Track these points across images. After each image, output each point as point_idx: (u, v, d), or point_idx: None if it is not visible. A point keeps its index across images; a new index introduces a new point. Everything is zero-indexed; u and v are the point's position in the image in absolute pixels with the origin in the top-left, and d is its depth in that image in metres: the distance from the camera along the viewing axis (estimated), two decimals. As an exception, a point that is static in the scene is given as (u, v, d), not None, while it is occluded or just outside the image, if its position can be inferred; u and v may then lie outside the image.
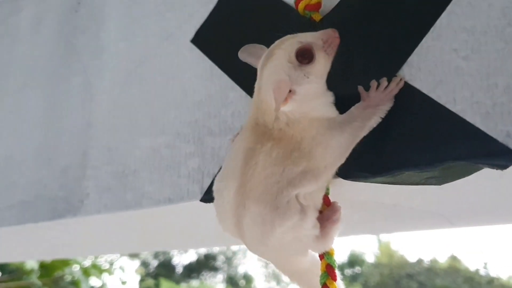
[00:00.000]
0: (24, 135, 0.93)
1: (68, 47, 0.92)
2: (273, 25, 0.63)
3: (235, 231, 0.51)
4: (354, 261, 10.12)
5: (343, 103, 0.51)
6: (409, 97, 0.50)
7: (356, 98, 0.51)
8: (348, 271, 10.16)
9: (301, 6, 0.58)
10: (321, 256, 0.53)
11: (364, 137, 0.50)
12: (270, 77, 0.49)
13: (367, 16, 0.55)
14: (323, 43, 0.49)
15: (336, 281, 0.52)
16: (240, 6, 0.68)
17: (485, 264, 9.64)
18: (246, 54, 0.54)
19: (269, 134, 0.49)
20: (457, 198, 0.60)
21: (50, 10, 0.99)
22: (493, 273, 8.87)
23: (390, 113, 0.50)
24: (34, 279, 6.32)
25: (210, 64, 0.69)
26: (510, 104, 0.45)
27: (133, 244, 1.07)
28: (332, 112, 0.50)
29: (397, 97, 0.50)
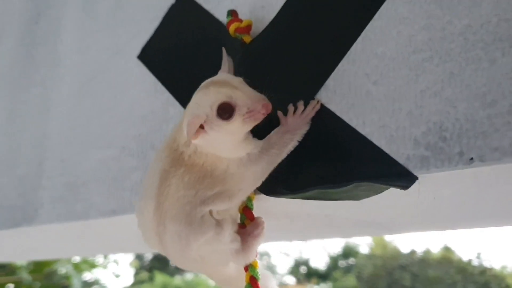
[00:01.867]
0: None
1: (29, 58, 0.94)
2: (209, 44, 0.65)
3: (160, 248, 0.54)
4: (348, 252, 10.19)
5: (265, 125, 0.53)
6: (324, 119, 0.53)
7: (277, 121, 0.54)
8: (343, 263, 10.24)
9: (231, 28, 0.61)
10: (246, 268, 0.56)
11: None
12: (192, 108, 0.50)
13: (291, 40, 0.58)
14: (247, 111, 0.48)
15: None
16: (181, 24, 0.70)
17: (478, 254, 9.71)
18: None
19: (181, 159, 0.51)
20: (389, 208, 0.63)
21: (12, 21, 1.01)
22: (486, 263, 8.93)
23: (307, 133, 0.53)
24: (25, 274, 6.36)
25: (154, 80, 0.71)
26: (411, 128, 0.48)
27: (86, 249, 1.10)
28: (245, 148, 0.51)
29: (314, 118, 0.53)
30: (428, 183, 0.47)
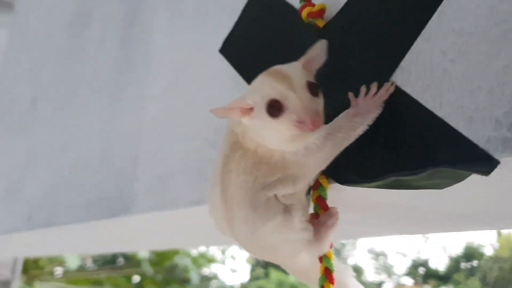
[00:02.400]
0: (89, 140, 1.03)
1: (126, 59, 1.00)
2: (284, 32, 0.65)
3: (231, 235, 0.54)
4: (470, 254, 9.66)
5: (336, 107, 0.52)
6: (399, 101, 0.50)
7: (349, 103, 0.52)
8: (465, 265, 9.72)
9: (304, 13, 0.59)
10: (320, 259, 0.55)
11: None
12: (248, 91, 0.50)
13: (365, 22, 0.55)
14: (296, 119, 0.46)
15: (334, 285, 0.53)
16: (259, 15, 0.70)
17: None
18: None
19: (238, 143, 0.51)
20: (478, 198, 0.58)
21: (111, 26, 1.07)
22: None
23: (380, 117, 0.50)
24: (147, 267, 6.77)
25: (234, 73, 0.72)
26: (492, 108, 0.43)
27: (176, 240, 1.13)
28: (298, 143, 0.49)
29: (387, 101, 0.50)
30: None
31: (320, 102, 0.48)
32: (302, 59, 0.51)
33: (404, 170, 0.48)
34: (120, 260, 9.17)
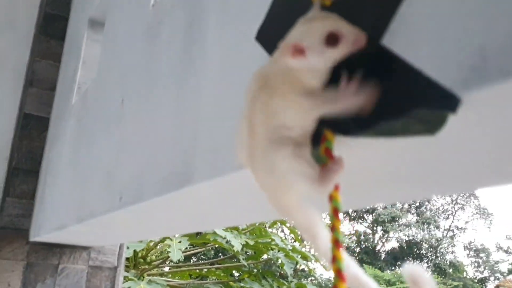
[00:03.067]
0: (163, 128, 1.22)
1: (187, 55, 1.18)
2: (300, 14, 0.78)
3: (249, 164, 0.67)
4: None
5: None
6: (383, 58, 0.60)
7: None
8: None
9: (312, -8, 0.71)
10: (330, 198, 0.66)
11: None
12: (294, 37, 0.58)
13: None
14: (355, 38, 0.57)
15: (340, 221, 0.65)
16: (287, 2, 0.82)
17: None
18: None
19: (267, 86, 0.63)
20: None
21: (175, 28, 1.27)
22: None
23: (369, 75, 0.61)
24: (243, 261, 7.03)
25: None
26: (457, 53, 0.52)
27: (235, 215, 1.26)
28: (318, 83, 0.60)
29: (373, 60, 0.61)
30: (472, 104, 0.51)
31: None
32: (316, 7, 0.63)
33: (389, 115, 0.58)
34: (220, 256, 9.56)
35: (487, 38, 0.49)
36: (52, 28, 2.82)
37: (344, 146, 0.67)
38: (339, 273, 0.59)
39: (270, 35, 0.84)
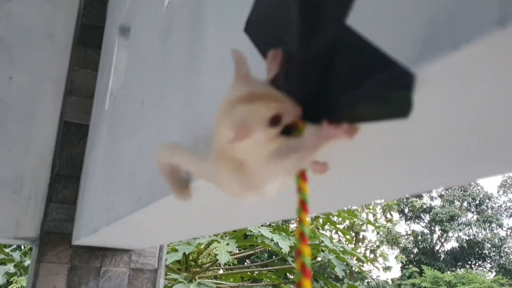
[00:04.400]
0: (172, 124, 1.23)
1: (191, 51, 1.18)
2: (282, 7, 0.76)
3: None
4: None
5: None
6: (348, 40, 0.57)
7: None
8: None
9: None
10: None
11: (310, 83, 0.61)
12: (241, 117, 0.60)
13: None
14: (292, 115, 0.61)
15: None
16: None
17: None
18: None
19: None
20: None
21: (184, 28, 1.27)
22: None
23: (329, 58, 0.59)
24: (292, 262, 6.99)
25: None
26: (411, 27, 0.49)
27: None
28: None
29: (337, 43, 0.59)
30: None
31: None
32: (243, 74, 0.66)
33: (351, 102, 0.56)
34: (274, 258, 9.55)
35: (438, 10, 0.47)
36: (89, 37, 2.91)
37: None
38: (303, 269, 0.57)
39: (256, 26, 0.83)
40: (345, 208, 7.58)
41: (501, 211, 21.49)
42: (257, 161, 0.65)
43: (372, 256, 13.09)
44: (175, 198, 1.06)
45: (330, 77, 0.60)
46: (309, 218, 7.83)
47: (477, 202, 20.81)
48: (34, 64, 2.85)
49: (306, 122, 0.64)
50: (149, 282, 2.73)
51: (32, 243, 2.65)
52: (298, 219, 0.62)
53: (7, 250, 6.43)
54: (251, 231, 5.90)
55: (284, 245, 5.72)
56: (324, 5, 0.63)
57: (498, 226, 20.60)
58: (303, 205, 0.62)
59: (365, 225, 12.69)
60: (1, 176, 2.65)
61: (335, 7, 0.61)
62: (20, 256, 6.44)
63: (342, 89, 0.58)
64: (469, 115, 0.59)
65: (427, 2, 0.48)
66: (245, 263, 10.53)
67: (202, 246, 6.52)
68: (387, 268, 13.94)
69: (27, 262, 6.44)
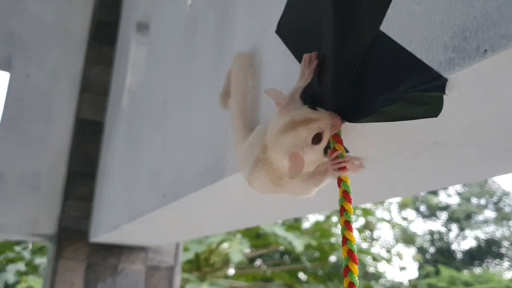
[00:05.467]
0: (197, 123, 1.23)
1: (218, 51, 1.18)
2: (314, 9, 0.76)
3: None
4: None
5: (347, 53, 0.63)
6: (383, 45, 0.59)
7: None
8: None
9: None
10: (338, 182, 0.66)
11: (346, 84, 0.62)
12: (288, 146, 0.65)
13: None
14: (331, 128, 0.65)
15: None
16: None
17: None
18: None
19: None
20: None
21: (209, 22, 1.27)
22: None
23: (364, 62, 0.60)
24: (306, 263, 6.99)
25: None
26: (443, 35, 0.51)
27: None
28: None
29: (373, 47, 0.60)
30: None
31: None
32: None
33: (385, 101, 0.57)
34: (285, 257, 9.56)
35: (466, 19, 0.49)
36: (103, 34, 2.92)
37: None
38: (351, 254, 0.63)
39: (289, 28, 0.86)
40: (362, 206, 7.58)
41: (520, 208, 21.27)
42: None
43: (387, 255, 13.06)
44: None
45: (365, 80, 0.61)
46: (325, 216, 7.83)
47: (495, 199, 20.63)
48: (50, 62, 2.86)
49: (344, 121, 0.66)
50: (165, 279, 2.74)
51: (49, 240, 2.66)
52: (341, 208, 0.65)
53: (17, 248, 6.47)
54: (264, 230, 5.91)
55: (299, 243, 5.72)
56: (359, 11, 0.65)
57: (517, 224, 20.40)
58: (346, 196, 0.66)
59: (380, 223, 12.68)
60: (18, 173, 2.67)
61: (370, 14, 0.63)
62: (31, 254, 6.49)
63: (378, 90, 0.59)
64: (494, 116, 0.60)
65: (458, 12, 0.50)
66: (256, 263, 10.54)
67: (214, 245, 6.53)
68: (402, 268, 13.91)
69: (38, 260, 6.48)
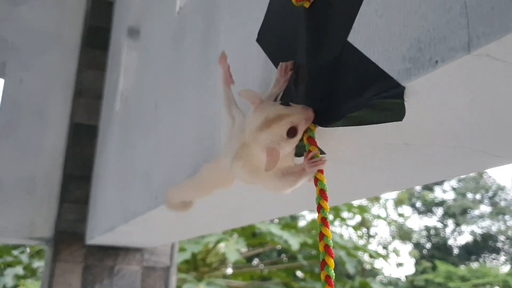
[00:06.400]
0: (187, 126, 1.28)
1: (205, 57, 1.22)
2: (290, 19, 0.81)
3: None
4: None
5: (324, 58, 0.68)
6: (350, 55, 0.64)
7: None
8: None
9: (293, -1, 0.75)
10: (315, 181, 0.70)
11: (318, 91, 0.67)
12: (264, 140, 0.70)
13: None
14: (304, 122, 0.69)
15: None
16: (278, 7, 0.87)
17: None
18: None
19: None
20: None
21: (196, 33, 1.31)
22: None
23: (334, 70, 0.65)
24: (302, 260, 7.04)
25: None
26: (401, 47, 0.56)
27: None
28: None
29: (341, 57, 0.65)
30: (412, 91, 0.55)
31: None
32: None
33: (353, 107, 0.62)
34: (282, 256, 9.60)
35: (421, 32, 0.54)
36: (96, 39, 2.96)
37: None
38: (327, 249, 0.66)
39: (268, 37, 0.91)
40: (356, 203, 7.62)
41: (515, 202, 21.30)
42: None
43: (384, 252, 13.13)
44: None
45: (335, 87, 0.66)
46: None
47: (490, 194, 20.68)
48: (44, 67, 2.90)
49: (316, 126, 0.71)
50: (161, 280, 2.78)
51: (46, 243, 2.70)
52: (318, 206, 0.69)
53: (15, 252, 6.49)
54: (260, 229, 5.95)
55: (294, 242, 5.77)
56: (328, 22, 0.70)
57: (512, 218, 20.43)
58: (322, 194, 0.69)
59: (376, 220, 12.73)
60: (14, 177, 2.70)
61: (339, 26, 0.68)
62: (29, 258, 6.50)
63: (346, 97, 0.64)
64: (454, 119, 0.65)
65: (413, 25, 0.55)
66: (254, 262, 10.58)
67: (210, 245, 6.57)
68: (399, 264, 13.98)
69: (36, 264, 6.50)
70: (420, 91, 0.56)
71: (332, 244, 0.68)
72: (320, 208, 0.69)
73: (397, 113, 0.62)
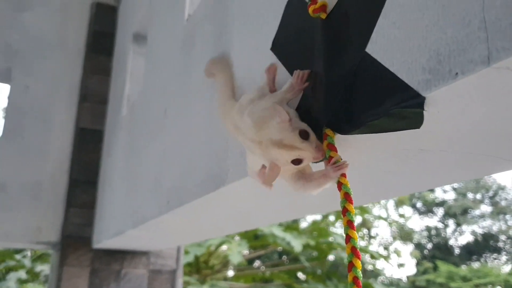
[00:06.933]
0: (197, 132, 1.30)
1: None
2: (305, 29, 0.83)
3: None
4: None
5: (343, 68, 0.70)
6: (368, 65, 0.66)
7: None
8: None
9: (310, 10, 0.77)
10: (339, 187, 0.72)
11: (337, 100, 0.69)
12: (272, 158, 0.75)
13: (349, 9, 0.72)
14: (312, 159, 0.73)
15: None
16: (293, 16, 0.89)
17: None
18: None
19: None
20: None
21: (208, 40, 1.33)
22: None
23: (352, 80, 0.68)
24: (305, 262, 7.06)
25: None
26: (420, 59, 0.58)
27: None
28: None
29: (360, 67, 0.67)
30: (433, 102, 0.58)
31: None
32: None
33: (374, 115, 0.64)
34: (284, 257, 9.61)
35: (440, 44, 0.57)
36: (100, 44, 2.98)
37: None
38: (354, 251, 0.68)
39: (283, 46, 0.92)
40: (359, 205, 7.61)
41: (516, 202, 21.28)
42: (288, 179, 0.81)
43: (385, 252, 13.13)
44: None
45: (354, 96, 0.68)
46: (322, 216, 7.88)
47: (490, 194, 20.68)
48: (49, 73, 2.92)
49: (335, 133, 0.73)
50: (168, 283, 2.80)
51: (53, 248, 2.72)
52: (343, 209, 0.71)
53: (18, 256, 6.50)
54: (262, 231, 5.97)
55: (297, 243, 5.78)
56: (346, 35, 0.72)
57: (513, 218, 20.40)
58: (347, 197, 0.71)
59: (377, 221, 12.75)
60: (21, 182, 2.72)
61: (356, 37, 0.70)
62: (31, 262, 6.51)
63: (365, 106, 0.66)
64: (471, 127, 0.67)
65: (433, 38, 0.57)
66: (255, 264, 10.59)
67: (213, 248, 6.58)
68: (400, 265, 13.98)
69: (38, 268, 6.51)
70: (440, 101, 0.58)
71: (358, 246, 0.69)
72: (345, 211, 0.70)
73: (415, 122, 0.64)
